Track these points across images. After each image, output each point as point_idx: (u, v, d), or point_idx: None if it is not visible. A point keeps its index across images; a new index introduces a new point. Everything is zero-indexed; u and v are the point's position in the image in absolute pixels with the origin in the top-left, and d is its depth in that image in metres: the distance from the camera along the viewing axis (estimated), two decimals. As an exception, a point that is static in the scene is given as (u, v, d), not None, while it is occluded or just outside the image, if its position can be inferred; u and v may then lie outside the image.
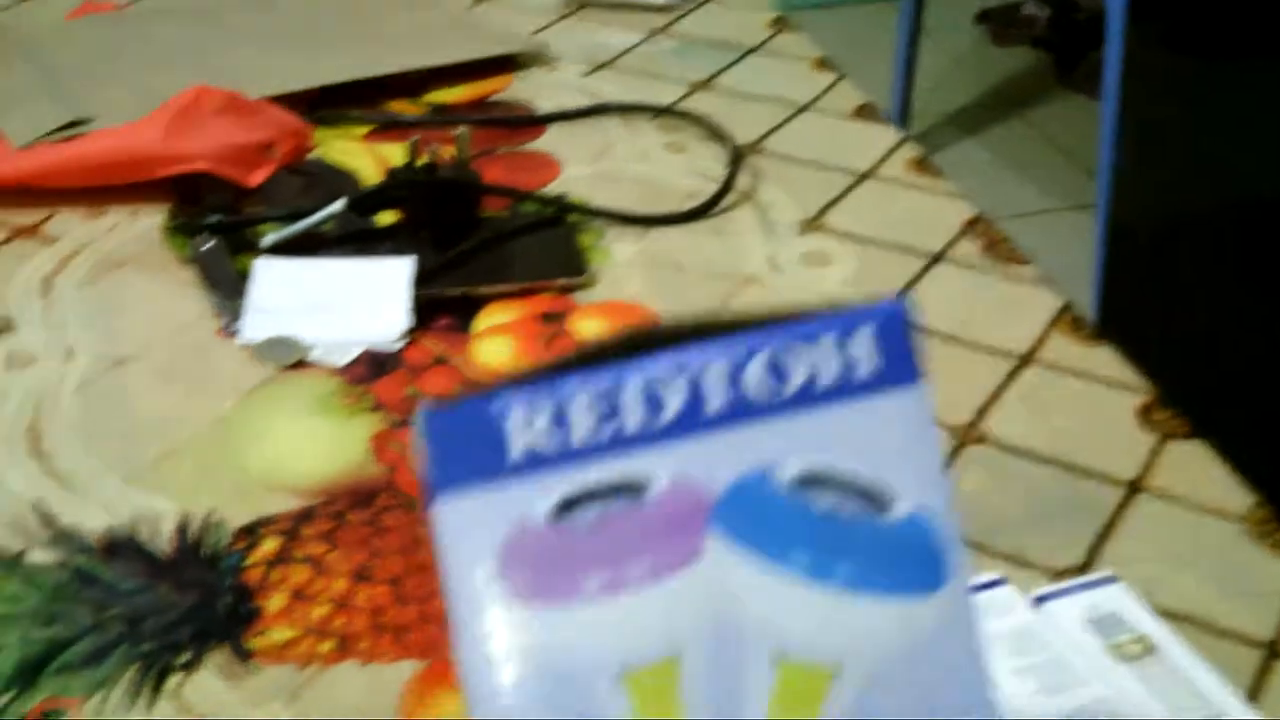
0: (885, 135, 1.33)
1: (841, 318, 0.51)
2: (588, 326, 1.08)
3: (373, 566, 0.87)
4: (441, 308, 1.09)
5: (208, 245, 1.12)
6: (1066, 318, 1.08)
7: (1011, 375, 1.02)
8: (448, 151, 1.19)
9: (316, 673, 0.80)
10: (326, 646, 0.82)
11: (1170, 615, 0.78)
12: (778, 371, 0.50)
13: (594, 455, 0.49)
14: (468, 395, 0.49)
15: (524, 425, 0.49)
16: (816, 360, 0.51)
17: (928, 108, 3.01)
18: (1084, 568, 0.86)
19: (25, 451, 0.96)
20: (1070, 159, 3.21)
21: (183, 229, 1.18)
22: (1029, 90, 3.57)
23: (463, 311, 1.10)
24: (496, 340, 1.07)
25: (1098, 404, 1.00)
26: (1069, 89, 3.55)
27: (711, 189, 1.23)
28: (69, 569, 0.87)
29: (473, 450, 0.48)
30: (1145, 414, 0.99)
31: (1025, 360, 1.04)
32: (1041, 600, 0.77)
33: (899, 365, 0.51)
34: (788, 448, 0.50)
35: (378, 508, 0.92)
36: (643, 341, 0.50)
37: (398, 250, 1.13)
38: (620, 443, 0.49)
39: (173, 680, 0.80)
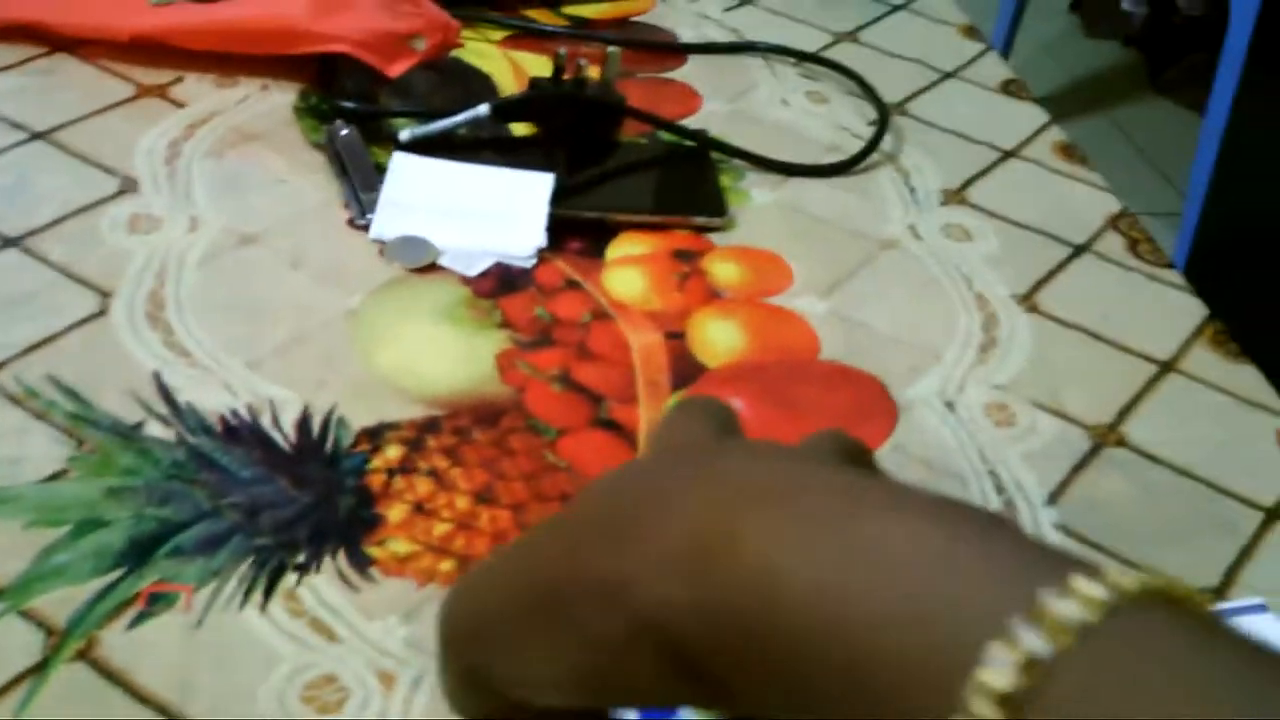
0: (1033, 114, 1.29)
1: None
2: (722, 270, 1.04)
3: (496, 489, 0.84)
4: (573, 229, 1.06)
5: (344, 132, 1.08)
6: (1209, 329, 1.04)
7: (1153, 381, 0.99)
8: (592, 69, 1.15)
9: (435, 591, 0.77)
10: (446, 565, 0.79)
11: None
12: None
13: None
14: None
15: None
16: None
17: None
18: (1219, 590, 0.84)
19: (146, 318, 0.93)
20: (1152, 164, 3.16)
21: (316, 111, 1.14)
22: (1116, 87, 3.52)
23: (594, 235, 1.06)
24: (629, 271, 1.03)
25: (1237, 422, 0.97)
26: (1158, 92, 3.50)
27: (852, 144, 1.19)
28: (186, 448, 0.84)
29: None
30: (1286, 439, 0.96)
31: (1167, 367, 1.01)
32: (1193, 622, 0.74)
33: None
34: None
35: (503, 429, 0.88)
36: None
37: (532, 163, 1.09)
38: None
39: (288, 579, 0.77)
